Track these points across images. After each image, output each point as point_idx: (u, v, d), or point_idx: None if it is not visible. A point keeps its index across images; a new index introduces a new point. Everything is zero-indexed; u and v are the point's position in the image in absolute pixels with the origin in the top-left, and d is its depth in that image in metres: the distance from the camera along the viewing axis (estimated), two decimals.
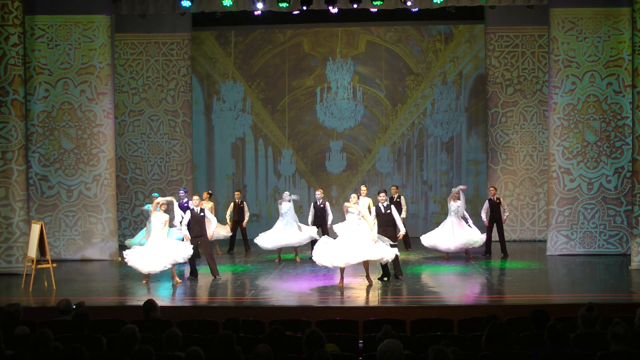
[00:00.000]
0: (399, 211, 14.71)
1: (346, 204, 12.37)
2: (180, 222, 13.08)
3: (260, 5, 15.13)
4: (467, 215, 15.08)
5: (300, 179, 19.51)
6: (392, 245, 12.15)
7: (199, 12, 16.12)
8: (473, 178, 19.00)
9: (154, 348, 6.07)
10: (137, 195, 18.04)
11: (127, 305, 10.92)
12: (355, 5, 15.01)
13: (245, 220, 16.34)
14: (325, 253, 11.99)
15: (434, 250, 15.46)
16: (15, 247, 13.83)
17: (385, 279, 12.42)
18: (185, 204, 15.28)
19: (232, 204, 16.53)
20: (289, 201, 15.22)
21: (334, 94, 19.32)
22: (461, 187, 15.30)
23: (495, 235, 15.43)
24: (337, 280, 12.37)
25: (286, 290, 12.08)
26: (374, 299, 11.36)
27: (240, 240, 16.63)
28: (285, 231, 14.92)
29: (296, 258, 15.15)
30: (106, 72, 15.57)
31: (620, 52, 15.08)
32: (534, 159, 17.92)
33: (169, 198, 13.53)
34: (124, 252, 12.76)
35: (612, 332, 6.03)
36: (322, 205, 15.26)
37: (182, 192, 15.61)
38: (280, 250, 15.09)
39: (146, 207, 15.38)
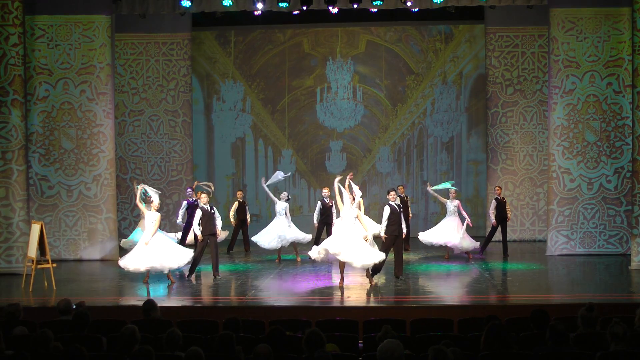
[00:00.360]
0: (407, 210, 14.80)
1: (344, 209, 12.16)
2: (181, 220, 13.08)
3: (260, 5, 15.13)
4: (465, 215, 15.09)
5: (300, 179, 19.51)
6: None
7: (199, 12, 16.12)
8: (473, 178, 19.01)
9: (154, 348, 6.07)
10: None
11: (127, 305, 10.91)
12: (355, 5, 15.01)
13: (249, 219, 16.32)
14: (333, 244, 11.91)
15: (434, 250, 15.47)
16: (15, 247, 13.83)
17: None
18: (194, 202, 15.25)
19: (236, 203, 16.51)
20: (287, 201, 15.22)
21: (334, 94, 19.32)
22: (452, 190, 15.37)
23: (497, 235, 15.43)
24: (337, 280, 12.37)
25: (286, 290, 12.08)
26: (374, 299, 11.36)
27: (240, 240, 16.63)
28: (282, 230, 14.91)
29: (297, 258, 15.14)
30: (106, 72, 15.57)
31: (620, 52, 15.08)
32: (534, 159, 17.92)
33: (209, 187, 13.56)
34: (119, 262, 12.68)
35: (612, 332, 6.03)
36: (330, 204, 15.22)
37: (189, 191, 15.58)
38: (280, 250, 15.08)
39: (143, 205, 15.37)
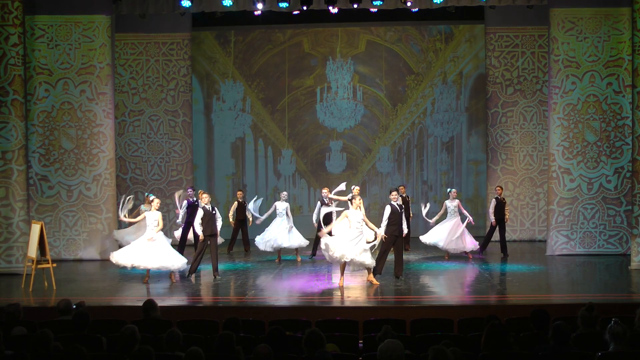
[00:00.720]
0: (408, 210, 14.82)
1: (349, 212, 12.16)
2: (181, 220, 13.08)
3: (260, 6, 15.13)
4: (466, 213, 15.11)
5: (300, 179, 19.51)
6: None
7: (198, 12, 16.12)
8: (473, 178, 19.01)
9: (154, 348, 6.07)
10: (137, 196, 18.01)
11: (127, 305, 10.91)
12: (355, 5, 15.01)
13: (250, 220, 16.29)
14: (336, 244, 11.93)
15: (434, 250, 15.46)
16: (15, 247, 13.83)
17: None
18: (195, 202, 15.25)
19: (235, 203, 16.51)
20: (286, 200, 15.22)
21: (334, 94, 19.32)
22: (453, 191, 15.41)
23: (496, 235, 15.43)
24: (337, 280, 12.37)
25: (286, 290, 12.08)
26: (374, 299, 11.36)
27: (240, 240, 16.64)
28: (281, 232, 14.90)
29: (297, 258, 15.14)
30: (106, 72, 15.57)
31: (620, 52, 15.08)
32: (534, 159, 17.92)
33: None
34: (110, 255, 12.68)
35: (612, 332, 6.03)
36: (329, 204, 15.23)
37: (190, 191, 15.58)
38: (280, 250, 15.07)
39: (142, 207, 15.37)
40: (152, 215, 12.66)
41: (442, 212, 15.25)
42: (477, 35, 18.81)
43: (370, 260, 11.99)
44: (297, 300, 11.40)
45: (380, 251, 12.60)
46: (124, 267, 12.61)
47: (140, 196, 17.94)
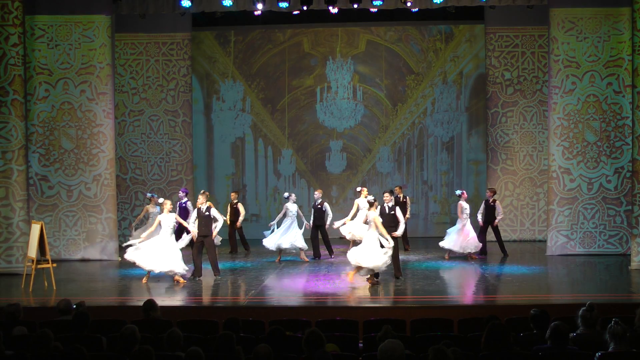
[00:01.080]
0: (404, 211, 14.77)
1: (372, 215, 12.21)
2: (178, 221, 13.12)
3: (260, 6, 15.12)
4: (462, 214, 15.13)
5: (300, 179, 19.51)
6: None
7: (198, 12, 16.12)
8: (473, 178, 19.01)
9: (154, 348, 6.07)
10: (137, 195, 18.04)
11: (127, 305, 10.92)
12: (355, 5, 15.00)
13: (239, 221, 16.02)
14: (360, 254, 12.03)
15: (434, 250, 15.47)
16: (15, 247, 13.83)
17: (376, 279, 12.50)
18: (184, 205, 15.27)
19: (229, 206, 16.49)
20: (295, 202, 15.23)
21: (334, 94, 19.31)
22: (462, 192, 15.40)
23: (491, 236, 15.42)
24: (337, 281, 12.40)
25: (286, 290, 12.08)
26: (374, 299, 11.36)
27: (250, 241, 16.66)
28: (289, 232, 14.91)
29: (305, 259, 15.06)
30: (106, 72, 15.57)
31: (620, 52, 15.08)
32: (534, 159, 17.92)
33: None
34: (124, 245, 12.77)
35: (612, 332, 6.03)
36: (319, 206, 15.28)
37: (181, 193, 15.58)
38: (281, 251, 15.05)
39: (150, 208, 15.34)
40: (167, 218, 12.72)
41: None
42: (477, 35, 18.80)
43: (377, 264, 12.01)
44: (297, 300, 11.40)
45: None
46: (132, 263, 12.68)
47: (141, 196, 17.97)
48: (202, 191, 13.58)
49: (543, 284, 12.68)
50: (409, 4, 15.07)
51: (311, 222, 15.28)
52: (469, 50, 18.94)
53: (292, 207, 15.13)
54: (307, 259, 15.05)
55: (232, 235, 16.43)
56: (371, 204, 12.31)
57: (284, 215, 15.15)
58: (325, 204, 15.40)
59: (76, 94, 15.50)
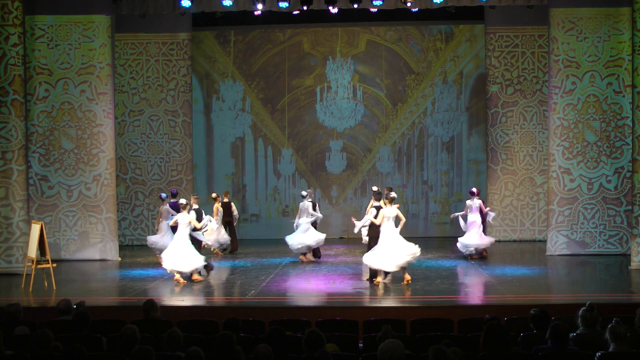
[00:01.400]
0: None
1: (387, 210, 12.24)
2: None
3: (260, 6, 15.11)
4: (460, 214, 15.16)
5: (300, 179, 19.51)
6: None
7: (198, 12, 16.12)
8: (474, 178, 18.99)
9: (154, 348, 6.07)
10: (137, 195, 18.04)
11: (127, 305, 10.92)
12: (355, 5, 15.00)
13: (235, 220, 16.18)
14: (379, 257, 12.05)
15: (434, 250, 15.50)
16: (15, 247, 13.83)
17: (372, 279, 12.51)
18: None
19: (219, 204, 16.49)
20: (311, 200, 15.20)
21: (334, 94, 19.31)
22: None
23: (498, 236, 15.44)
24: (336, 280, 12.40)
25: (286, 290, 12.08)
26: (374, 299, 11.36)
27: (247, 241, 16.66)
28: (299, 234, 14.93)
29: (311, 258, 15.08)
30: (106, 72, 15.57)
31: (620, 52, 15.08)
32: (534, 159, 17.92)
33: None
34: (160, 257, 12.70)
35: (614, 332, 6.03)
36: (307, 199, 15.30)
37: (164, 195, 15.52)
38: (309, 249, 15.01)
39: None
40: (184, 217, 12.80)
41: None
42: (477, 35, 18.80)
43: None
44: (297, 300, 11.40)
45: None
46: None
47: (141, 196, 17.98)
48: (193, 197, 13.68)
49: (543, 284, 12.67)
50: (409, 4, 15.07)
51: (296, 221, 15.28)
52: (469, 50, 18.94)
53: (303, 205, 15.14)
54: (312, 259, 15.03)
55: (233, 234, 16.43)
56: (392, 200, 12.32)
57: (302, 215, 15.13)
58: (310, 204, 15.28)
59: (76, 94, 15.50)
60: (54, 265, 12.43)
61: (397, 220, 12.29)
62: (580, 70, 15.24)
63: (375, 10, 15.77)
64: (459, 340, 7.10)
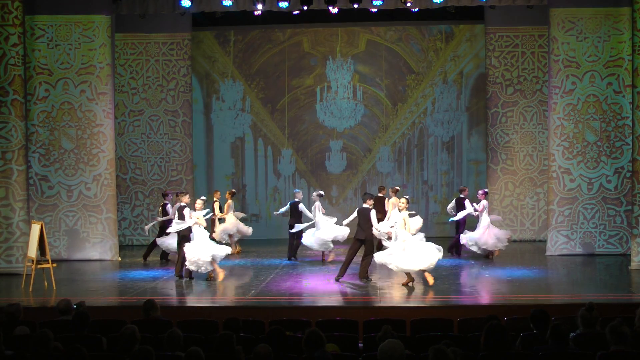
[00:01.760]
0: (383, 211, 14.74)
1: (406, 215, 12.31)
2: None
3: (260, 6, 15.11)
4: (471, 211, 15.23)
5: (300, 179, 19.51)
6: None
7: (198, 12, 16.12)
8: (474, 178, 18.99)
9: (154, 348, 6.07)
10: (137, 195, 18.04)
11: (127, 305, 10.92)
12: (355, 5, 14.99)
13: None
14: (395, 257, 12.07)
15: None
16: (15, 247, 13.83)
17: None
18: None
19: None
20: (319, 197, 15.20)
21: (334, 93, 19.31)
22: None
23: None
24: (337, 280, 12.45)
25: (286, 290, 12.07)
26: (374, 299, 11.36)
27: (244, 240, 16.62)
28: (328, 229, 14.89)
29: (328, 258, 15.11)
30: (106, 72, 15.57)
31: (620, 52, 15.08)
32: (534, 159, 17.92)
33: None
34: (186, 262, 12.74)
35: (617, 332, 6.02)
36: (295, 207, 15.30)
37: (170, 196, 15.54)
38: (324, 253, 15.04)
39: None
40: (198, 215, 12.89)
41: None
42: (477, 35, 18.79)
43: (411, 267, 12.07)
44: (297, 300, 11.40)
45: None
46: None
47: (141, 196, 17.97)
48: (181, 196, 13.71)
49: (543, 284, 12.67)
50: (409, 4, 15.07)
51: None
52: (469, 49, 18.93)
53: (319, 205, 15.18)
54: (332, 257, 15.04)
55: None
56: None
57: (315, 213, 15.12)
58: (301, 205, 15.27)
59: (76, 94, 15.50)
60: (54, 265, 12.43)
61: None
62: (580, 70, 15.24)
63: (375, 10, 15.76)
64: (459, 340, 7.10)
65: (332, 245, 14.82)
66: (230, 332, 6.50)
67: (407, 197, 12.97)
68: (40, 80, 15.38)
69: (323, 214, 14.99)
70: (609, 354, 5.98)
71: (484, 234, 14.90)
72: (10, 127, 13.87)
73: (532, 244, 17.40)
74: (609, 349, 6.05)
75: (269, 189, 19.50)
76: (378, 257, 12.22)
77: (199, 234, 12.79)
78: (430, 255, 12.00)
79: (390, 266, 12.05)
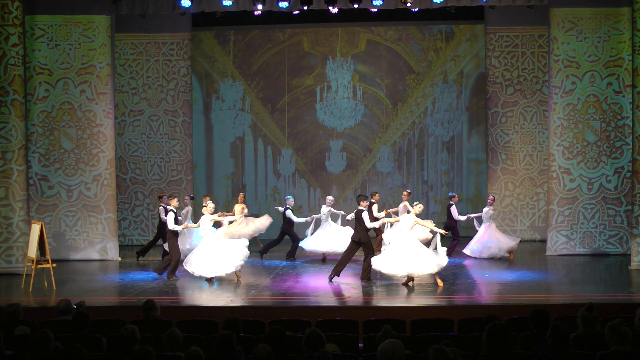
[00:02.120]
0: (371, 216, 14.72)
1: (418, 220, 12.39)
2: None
3: (260, 6, 15.11)
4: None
5: (299, 179, 19.51)
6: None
7: (198, 12, 16.11)
8: (474, 178, 18.99)
9: (154, 348, 6.07)
10: (137, 195, 18.04)
11: (127, 305, 10.92)
12: (355, 5, 15.00)
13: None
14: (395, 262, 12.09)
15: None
16: (15, 247, 13.83)
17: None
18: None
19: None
20: (329, 204, 15.22)
21: (334, 93, 19.30)
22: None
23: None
24: (338, 280, 12.42)
25: (286, 290, 12.08)
26: (374, 299, 11.36)
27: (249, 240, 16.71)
28: (331, 236, 14.94)
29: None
30: (106, 72, 15.57)
31: (620, 52, 15.08)
32: (534, 159, 17.92)
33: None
34: (184, 263, 12.70)
35: (618, 332, 6.01)
36: (283, 212, 15.32)
37: (187, 199, 15.63)
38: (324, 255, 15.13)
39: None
40: (206, 219, 12.83)
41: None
42: (477, 35, 18.79)
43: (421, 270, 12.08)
44: (297, 300, 11.39)
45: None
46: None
47: (141, 196, 17.96)
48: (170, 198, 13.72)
49: (543, 284, 12.67)
50: (409, 4, 15.06)
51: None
52: (469, 49, 18.93)
53: (323, 209, 15.20)
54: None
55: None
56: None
57: (324, 219, 15.20)
58: (289, 211, 15.20)
59: (76, 94, 15.50)
60: (54, 265, 12.43)
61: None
62: (580, 70, 15.24)
63: (375, 10, 15.76)
64: (459, 340, 7.10)
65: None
66: (230, 332, 6.50)
67: (419, 203, 12.93)
68: (40, 80, 15.38)
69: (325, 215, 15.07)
70: (609, 354, 5.98)
71: (486, 239, 14.90)
72: (10, 127, 13.87)
73: (532, 244, 17.40)
74: (609, 349, 6.05)
75: (268, 189, 19.49)
76: (375, 262, 12.24)
77: (212, 244, 12.66)
78: (426, 263, 11.98)
79: (384, 271, 12.10)
